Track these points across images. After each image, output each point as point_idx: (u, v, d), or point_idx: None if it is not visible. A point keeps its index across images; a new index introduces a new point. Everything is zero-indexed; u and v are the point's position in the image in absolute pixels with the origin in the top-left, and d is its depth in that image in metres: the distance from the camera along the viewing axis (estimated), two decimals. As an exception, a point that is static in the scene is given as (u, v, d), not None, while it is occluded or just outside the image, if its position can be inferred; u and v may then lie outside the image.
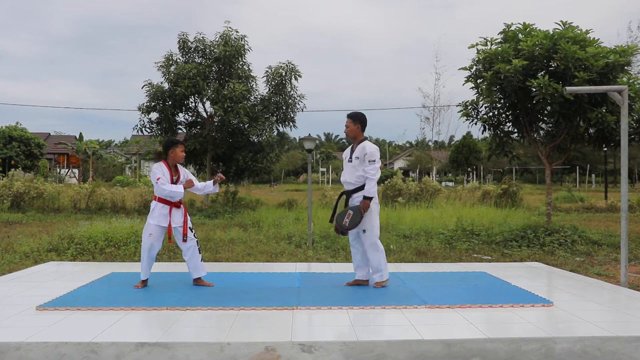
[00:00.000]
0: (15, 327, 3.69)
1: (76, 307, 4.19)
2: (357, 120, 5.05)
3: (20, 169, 18.12)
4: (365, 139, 5.07)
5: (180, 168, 5.08)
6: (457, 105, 10.35)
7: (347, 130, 5.08)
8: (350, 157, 5.00)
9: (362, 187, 4.88)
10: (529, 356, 3.28)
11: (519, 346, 3.36)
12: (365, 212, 4.81)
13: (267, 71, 14.59)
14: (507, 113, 9.18)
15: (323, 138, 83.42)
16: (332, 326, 3.81)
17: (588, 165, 38.15)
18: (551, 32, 8.20)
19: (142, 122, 14.37)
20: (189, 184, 4.99)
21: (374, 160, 4.85)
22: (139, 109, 14.16)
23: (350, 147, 5.17)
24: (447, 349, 3.32)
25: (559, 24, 8.36)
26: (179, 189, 4.86)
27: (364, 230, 4.90)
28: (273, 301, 4.40)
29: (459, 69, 9.14)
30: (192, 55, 14.51)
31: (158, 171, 4.84)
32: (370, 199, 4.81)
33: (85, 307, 4.18)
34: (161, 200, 4.89)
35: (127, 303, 4.29)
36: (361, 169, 4.89)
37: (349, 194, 4.97)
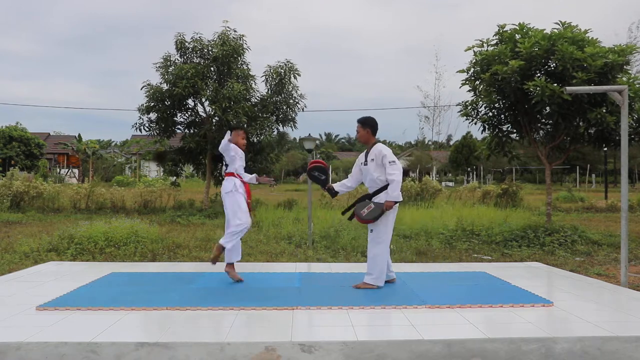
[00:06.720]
0: (15, 327, 3.69)
1: (76, 307, 4.19)
2: (367, 124, 5.08)
3: (17, 168, 18.04)
4: (378, 141, 5.08)
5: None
6: (457, 105, 10.36)
7: (358, 135, 5.14)
8: (365, 161, 5.02)
9: (382, 189, 4.88)
10: (529, 356, 3.29)
11: (519, 346, 3.36)
12: (387, 211, 4.82)
13: (266, 71, 14.59)
14: (507, 113, 9.19)
15: (323, 138, 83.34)
16: (332, 326, 3.81)
17: (588, 165, 38.14)
18: (549, 33, 8.20)
19: (141, 120, 14.38)
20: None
21: (394, 161, 4.81)
22: (138, 109, 14.17)
23: (365, 151, 5.16)
24: (447, 349, 3.32)
25: (557, 24, 8.36)
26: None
27: (371, 230, 4.92)
28: (273, 301, 4.40)
29: (457, 72, 9.16)
30: (190, 56, 14.49)
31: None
32: (394, 202, 4.79)
33: (85, 307, 4.18)
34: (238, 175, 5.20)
35: (127, 303, 4.30)
36: (379, 171, 4.89)
37: (370, 197, 4.95)
